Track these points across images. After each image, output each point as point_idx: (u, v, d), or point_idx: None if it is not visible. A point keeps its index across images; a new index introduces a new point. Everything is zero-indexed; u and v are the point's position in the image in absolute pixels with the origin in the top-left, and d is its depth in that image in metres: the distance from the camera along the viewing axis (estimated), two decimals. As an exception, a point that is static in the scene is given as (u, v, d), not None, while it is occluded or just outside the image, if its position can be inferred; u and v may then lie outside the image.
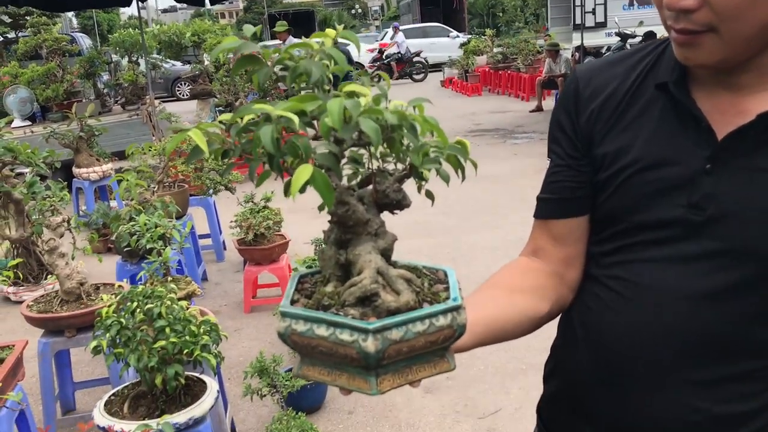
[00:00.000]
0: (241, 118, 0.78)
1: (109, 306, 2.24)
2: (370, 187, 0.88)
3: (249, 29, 0.85)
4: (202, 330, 2.24)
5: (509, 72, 16.08)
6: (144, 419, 2.14)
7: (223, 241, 5.99)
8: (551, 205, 1.15)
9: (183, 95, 19.13)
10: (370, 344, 0.77)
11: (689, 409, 0.99)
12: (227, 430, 2.98)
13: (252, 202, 4.73)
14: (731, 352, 0.97)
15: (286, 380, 3.03)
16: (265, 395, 3.03)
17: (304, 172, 0.73)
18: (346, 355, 0.79)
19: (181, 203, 4.53)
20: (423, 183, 0.86)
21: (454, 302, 0.83)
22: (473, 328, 0.90)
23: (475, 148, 10.11)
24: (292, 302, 0.86)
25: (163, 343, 2.14)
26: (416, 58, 21.36)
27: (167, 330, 2.17)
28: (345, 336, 0.78)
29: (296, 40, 0.92)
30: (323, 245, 0.91)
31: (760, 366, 0.98)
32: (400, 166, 0.87)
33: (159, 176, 4.76)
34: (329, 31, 0.86)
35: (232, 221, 4.61)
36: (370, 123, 0.75)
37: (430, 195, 0.88)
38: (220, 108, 9.44)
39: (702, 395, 0.99)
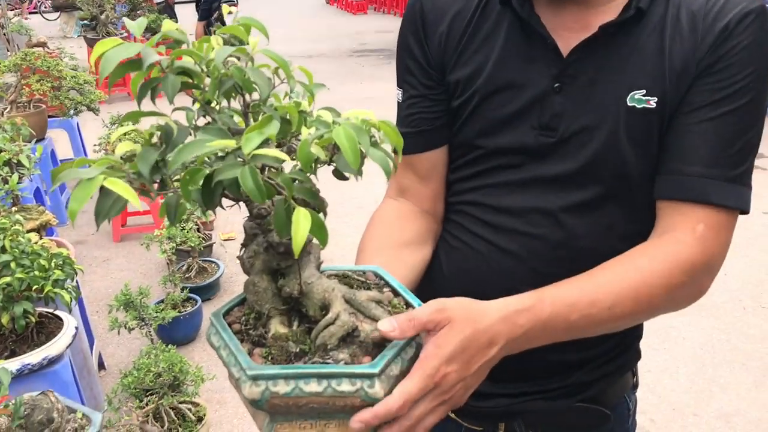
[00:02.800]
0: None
1: (-57, 240, 2.01)
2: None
3: (132, 25, 0.69)
4: (53, 264, 2.06)
5: (394, -9, 15.81)
6: (-9, 361, 1.97)
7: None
8: (411, 139, 1.05)
9: (44, 6, 17.53)
10: (378, 389, 0.69)
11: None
12: (93, 366, 2.84)
13: (119, 123, 4.42)
14: (583, 267, 0.93)
15: (156, 312, 2.90)
16: (133, 329, 2.89)
17: (305, 221, 0.63)
18: (345, 405, 0.69)
19: (38, 125, 4.15)
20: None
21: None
22: None
23: (359, 68, 10.01)
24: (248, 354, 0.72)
25: (8, 279, 1.95)
26: None
27: (12, 265, 1.98)
28: (345, 387, 0.68)
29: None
30: (250, 275, 0.76)
31: None
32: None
33: (11, 95, 4.34)
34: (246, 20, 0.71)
35: (95, 144, 4.30)
36: (381, 154, 0.67)
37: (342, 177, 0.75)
38: (85, 22, 8.71)
39: None
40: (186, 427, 2.48)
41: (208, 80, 0.72)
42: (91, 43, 8.27)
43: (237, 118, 0.75)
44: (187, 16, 11.59)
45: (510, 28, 0.97)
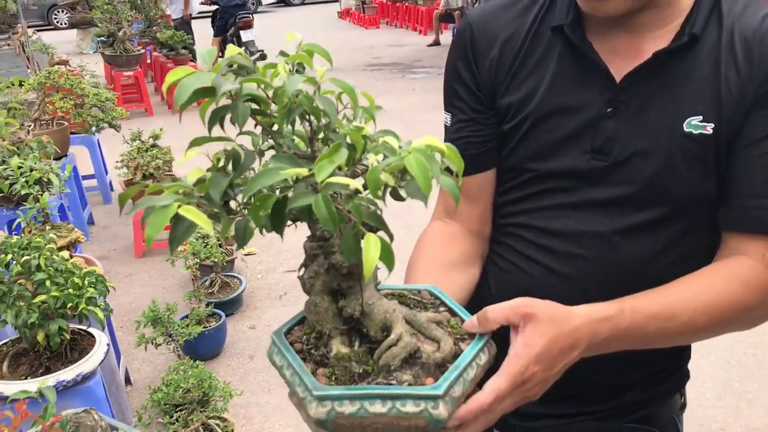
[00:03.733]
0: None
1: (-20, 259, 2.04)
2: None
3: (206, 52, 0.71)
4: (86, 282, 2.09)
5: (407, 4, 15.87)
6: (26, 378, 1.99)
7: (110, 182, 5.67)
8: None
9: (60, 24, 17.75)
10: (443, 410, 0.70)
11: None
12: (121, 381, 2.86)
13: (139, 140, 4.47)
14: (635, 290, 0.95)
15: (182, 328, 2.92)
16: (160, 344, 2.91)
17: (375, 247, 0.65)
18: (410, 425, 0.70)
19: (60, 142, 4.21)
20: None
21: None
22: None
23: (373, 82, 10.03)
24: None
25: (43, 297, 1.98)
26: None
27: (47, 283, 2.00)
28: (409, 408, 0.69)
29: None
30: (311, 295, 0.78)
31: None
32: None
33: (35, 113, 4.40)
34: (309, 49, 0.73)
35: (117, 161, 4.34)
36: (451, 181, 0.69)
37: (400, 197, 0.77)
38: (102, 38, 8.81)
39: None
40: (215, 443, 2.49)
41: (273, 106, 0.74)
42: (109, 60, 8.36)
43: (296, 139, 0.76)
44: (203, 30, 11.71)
45: (562, 53, 0.99)
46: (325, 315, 0.77)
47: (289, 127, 0.75)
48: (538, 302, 0.80)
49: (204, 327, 3.16)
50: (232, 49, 0.75)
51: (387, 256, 0.66)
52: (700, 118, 0.93)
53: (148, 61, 9.88)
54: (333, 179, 0.64)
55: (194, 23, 11.05)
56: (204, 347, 3.25)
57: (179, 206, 0.64)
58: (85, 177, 5.29)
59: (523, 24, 1.03)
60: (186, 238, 0.67)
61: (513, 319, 0.78)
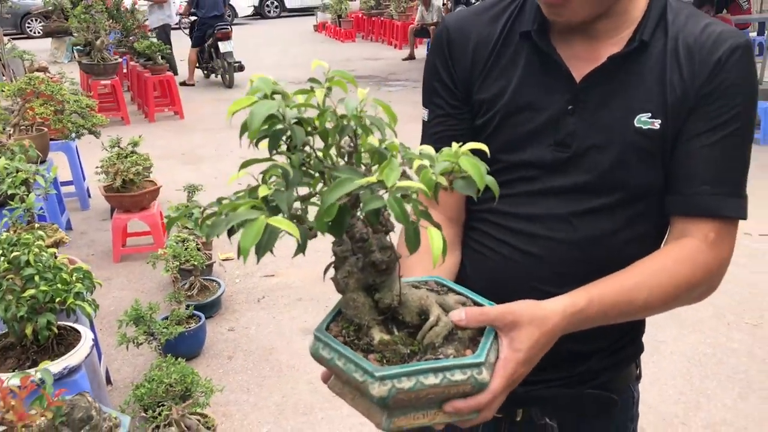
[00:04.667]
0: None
1: (-30, 255, 2.10)
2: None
3: (261, 81, 0.77)
4: (74, 277, 2.15)
5: (382, 19, 16.07)
6: (14, 371, 2.05)
7: (88, 189, 5.70)
8: None
9: (34, 32, 17.64)
10: (486, 374, 0.83)
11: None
12: (103, 380, 2.91)
13: (119, 146, 4.52)
14: (595, 266, 1.07)
15: (164, 327, 2.98)
16: (141, 343, 2.97)
17: (437, 237, 0.76)
18: (458, 392, 0.83)
19: (40, 148, 4.24)
20: None
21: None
22: None
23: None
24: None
25: (32, 291, 2.04)
26: None
27: (36, 278, 2.07)
28: (458, 376, 0.82)
29: None
30: (346, 293, 0.87)
31: None
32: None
33: (15, 119, 4.43)
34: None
35: (97, 167, 4.39)
36: (492, 179, 0.82)
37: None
38: (79, 47, 8.82)
39: None
40: (196, 437, 2.55)
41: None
42: (86, 69, 8.36)
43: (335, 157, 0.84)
44: (180, 40, 11.76)
45: (529, 56, 1.11)
46: (363, 309, 0.87)
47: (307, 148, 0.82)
48: (519, 308, 0.92)
49: (184, 328, 3.22)
50: (258, 79, 0.80)
51: (445, 246, 0.78)
52: (649, 114, 1.05)
53: (125, 70, 9.89)
54: (402, 183, 0.75)
55: (173, 33, 11.09)
56: (184, 348, 3.30)
57: (266, 218, 0.72)
58: (63, 183, 5.32)
59: (495, 28, 1.15)
60: (271, 245, 0.74)
61: (498, 324, 0.90)
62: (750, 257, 4.33)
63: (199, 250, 3.78)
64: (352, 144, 0.81)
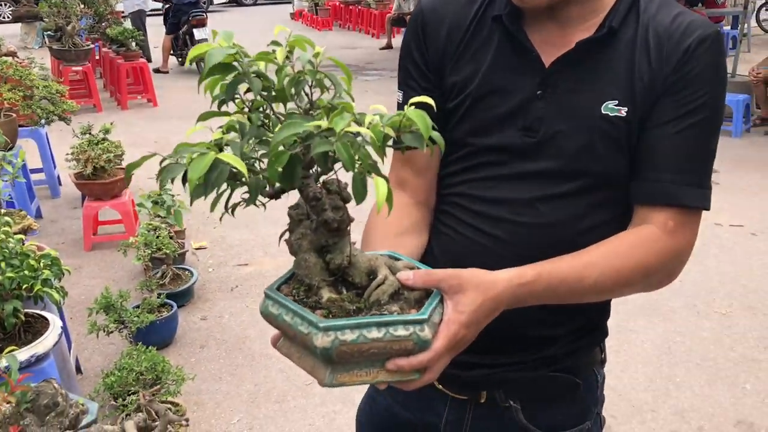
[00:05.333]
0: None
1: (-66, 240, 2.06)
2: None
3: (224, 33, 0.81)
4: (42, 264, 2.12)
5: (359, 8, 15.98)
6: (-21, 359, 2.01)
7: (58, 176, 5.61)
8: None
9: (3, 17, 17.27)
10: (428, 332, 0.84)
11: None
12: (72, 369, 2.87)
13: (89, 133, 4.45)
14: (558, 251, 1.06)
15: (135, 316, 2.95)
16: (112, 332, 2.94)
17: (382, 185, 0.78)
18: (400, 348, 0.83)
19: (9, 134, 4.16)
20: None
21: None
22: None
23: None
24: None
25: (-2, 278, 2.01)
26: None
27: (2, 265, 2.04)
28: (401, 332, 0.82)
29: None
30: (299, 254, 0.90)
31: None
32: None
33: (-18, 104, 4.35)
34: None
35: (68, 154, 4.32)
36: (437, 134, 0.83)
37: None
38: (49, 32, 8.66)
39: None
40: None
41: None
42: (57, 55, 8.22)
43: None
44: (154, 27, 11.60)
45: (500, 40, 1.11)
46: (314, 269, 0.89)
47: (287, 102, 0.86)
48: (465, 273, 0.93)
49: (156, 316, 3.19)
50: (221, 32, 0.83)
51: (390, 196, 0.80)
52: (616, 102, 1.05)
53: (97, 57, 9.74)
54: (350, 128, 0.77)
55: (148, 19, 10.94)
56: (155, 337, 3.27)
57: (215, 154, 0.74)
58: (33, 171, 5.23)
59: (468, 12, 1.14)
60: (220, 183, 0.76)
61: (443, 286, 0.91)
62: (721, 248, 4.40)
63: (171, 238, 3.74)
64: (308, 102, 0.83)
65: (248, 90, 0.84)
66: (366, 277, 0.90)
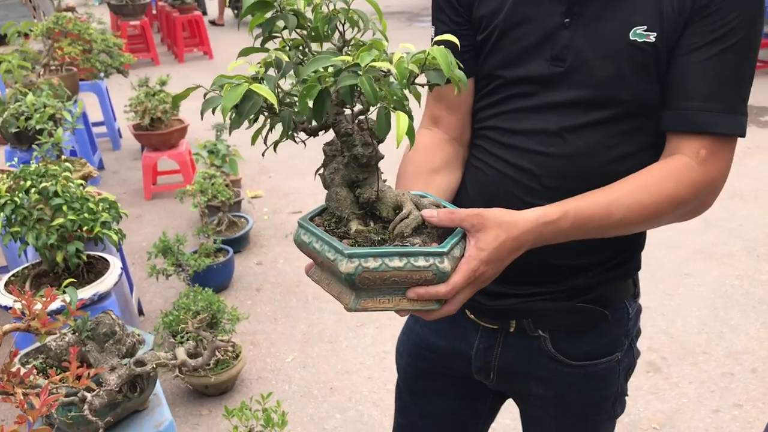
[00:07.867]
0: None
1: (2, 185, 2.17)
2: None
3: None
4: (101, 207, 2.22)
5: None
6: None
7: (119, 129, 5.78)
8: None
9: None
10: (447, 264, 0.88)
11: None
12: (134, 310, 3.01)
13: (146, 85, 4.56)
14: (587, 182, 1.06)
15: (192, 259, 3.06)
16: (170, 275, 3.06)
17: (404, 120, 0.80)
18: (420, 278, 0.88)
19: (70, 87, 4.30)
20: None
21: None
22: None
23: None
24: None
25: (61, 220, 2.11)
26: None
27: (64, 208, 2.13)
28: (421, 263, 0.87)
29: None
30: (331, 188, 0.95)
31: None
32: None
33: (45, 59, 4.49)
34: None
35: (126, 105, 4.45)
36: (460, 72, 0.86)
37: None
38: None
39: None
40: (224, 362, 2.65)
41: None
42: (115, 10, 8.38)
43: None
44: (207, -18, 11.65)
45: None
46: (345, 202, 0.95)
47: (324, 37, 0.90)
48: (487, 212, 0.95)
49: (213, 260, 3.30)
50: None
51: (411, 131, 0.82)
52: (645, 27, 1.03)
53: (154, 11, 9.88)
54: (374, 63, 0.80)
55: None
56: (213, 280, 3.40)
57: (249, 85, 0.80)
58: (95, 124, 5.40)
59: None
60: (252, 112, 0.81)
61: (466, 224, 0.94)
62: (784, 190, 4.25)
63: (227, 186, 3.84)
64: (342, 39, 0.87)
65: (285, 27, 0.88)
66: (393, 212, 0.95)
